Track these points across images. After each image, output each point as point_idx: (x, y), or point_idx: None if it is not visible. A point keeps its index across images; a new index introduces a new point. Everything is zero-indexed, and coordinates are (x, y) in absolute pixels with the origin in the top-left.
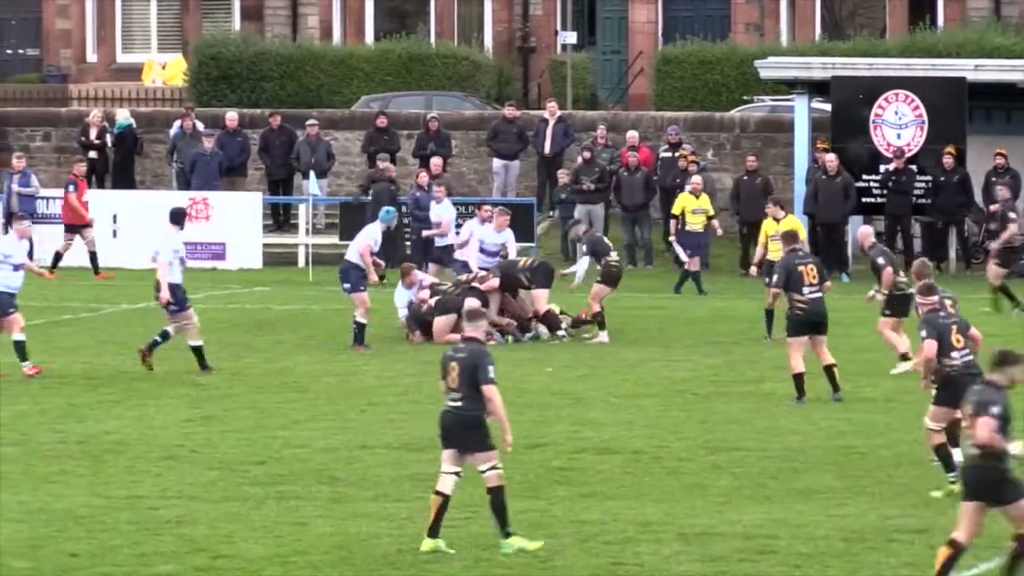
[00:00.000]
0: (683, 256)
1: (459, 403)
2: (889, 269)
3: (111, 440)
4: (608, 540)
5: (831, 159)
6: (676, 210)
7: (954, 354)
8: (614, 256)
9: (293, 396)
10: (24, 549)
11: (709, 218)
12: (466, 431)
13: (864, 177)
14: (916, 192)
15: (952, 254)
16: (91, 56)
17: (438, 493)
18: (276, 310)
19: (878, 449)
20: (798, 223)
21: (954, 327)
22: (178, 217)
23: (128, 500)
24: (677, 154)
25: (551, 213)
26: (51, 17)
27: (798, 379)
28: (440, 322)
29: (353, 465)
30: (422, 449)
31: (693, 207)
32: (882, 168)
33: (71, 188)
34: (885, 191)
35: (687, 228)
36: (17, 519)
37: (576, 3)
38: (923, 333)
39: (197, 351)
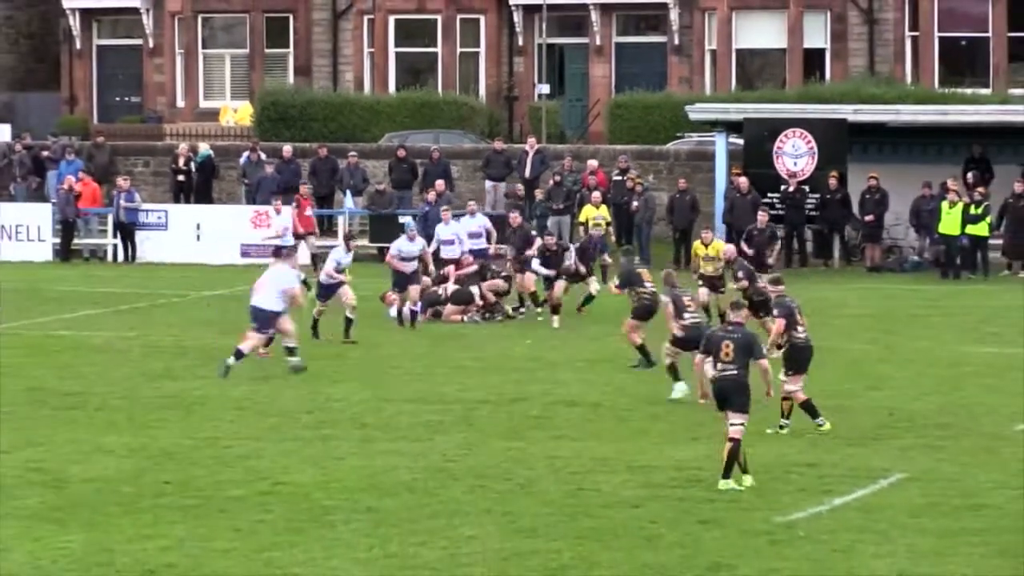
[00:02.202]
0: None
1: (734, 371)
2: (741, 273)
3: (196, 395)
4: (574, 471)
5: (743, 181)
6: (582, 218)
7: (799, 329)
8: (648, 287)
9: (334, 363)
10: (129, 478)
11: (607, 224)
12: (737, 393)
13: (769, 195)
14: (808, 206)
15: (836, 254)
16: (180, 102)
17: (731, 439)
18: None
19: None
20: (722, 245)
21: (798, 309)
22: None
23: (208, 440)
24: (626, 177)
25: (532, 222)
26: (150, 72)
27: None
28: (450, 308)
29: (379, 414)
30: (431, 402)
31: (594, 215)
32: (782, 188)
33: (294, 205)
34: (784, 206)
35: (590, 231)
36: (124, 455)
37: (548, 62)
38: (775, 312)
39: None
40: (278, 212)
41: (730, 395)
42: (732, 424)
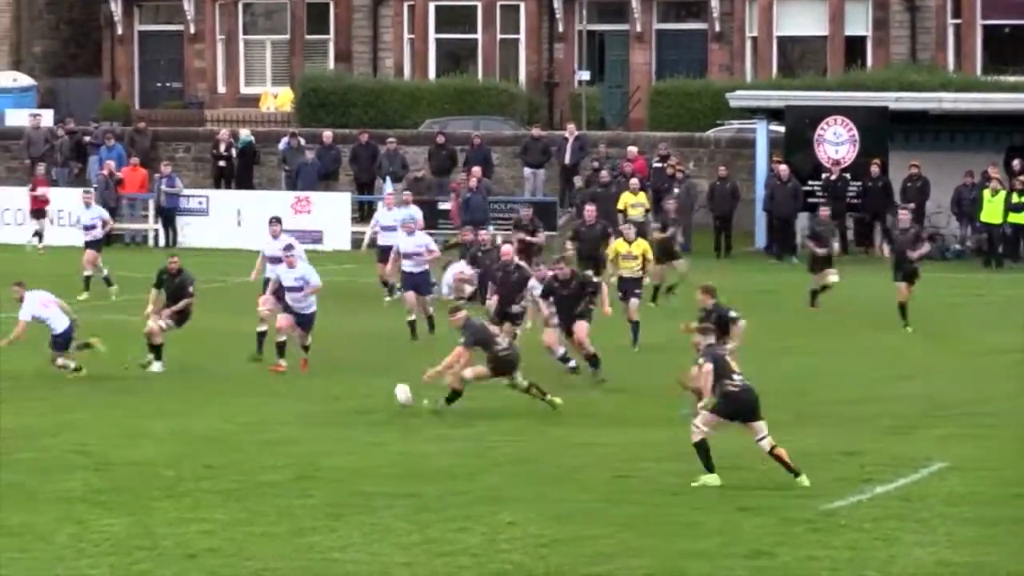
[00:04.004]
0: None
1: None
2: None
3: (236, 380)
4: (615, 458)
5: (784, 169)
6: (620, 205)
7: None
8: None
9: (376, 352)
10: (171, 461)
11: (646, 211)
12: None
13: (809, 182)
14: (849, 194)
15: (877, 241)
16: (221, 88)
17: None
18: (360, 282)
19: (819, 390)
20: (646, 245)
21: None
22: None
23: (248, 425)
24: (666, 165)
25: (570, 209)
26: (191, 58)
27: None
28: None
29: (419, 400)
30: (472, 389)
31: (633, 202)
32: (823, 176)
33: (451, 196)
34: (825, 194)
35: (629, 218)
36: (165, 439)
37: (589, 49)
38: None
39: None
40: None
41: (755, 404)
42: (762, 434)
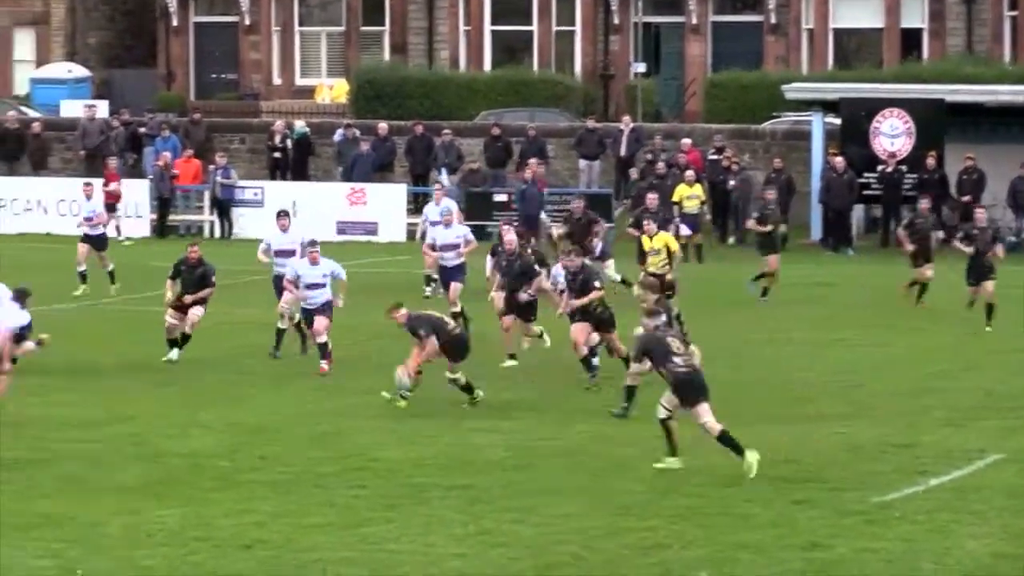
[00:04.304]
0: (684, 231)
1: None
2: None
3: (290, 372)
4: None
5: (840, 161)
6: (676, 198)
7: (677, 359)
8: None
9: None
10: (224, 452)
11: (702, 203)
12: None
13: (865, 175)
14: (905, 187)
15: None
16: (276, 79)
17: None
18: (414, 273)
19: (874, 382)
20: (668, 238)
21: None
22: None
23: (302, 417)
24: (722, 157)
25: (625, 201)
26: (246, 50)
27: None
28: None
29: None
30: (525, 381)
31: (688, 194)
32: (879, 168)
33: (532, 184)
34: (881, 186)
35: (684, 210)
36: (219, 430)
37: (644, 40)
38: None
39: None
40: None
41: (702, 383)
42: (706, 417)
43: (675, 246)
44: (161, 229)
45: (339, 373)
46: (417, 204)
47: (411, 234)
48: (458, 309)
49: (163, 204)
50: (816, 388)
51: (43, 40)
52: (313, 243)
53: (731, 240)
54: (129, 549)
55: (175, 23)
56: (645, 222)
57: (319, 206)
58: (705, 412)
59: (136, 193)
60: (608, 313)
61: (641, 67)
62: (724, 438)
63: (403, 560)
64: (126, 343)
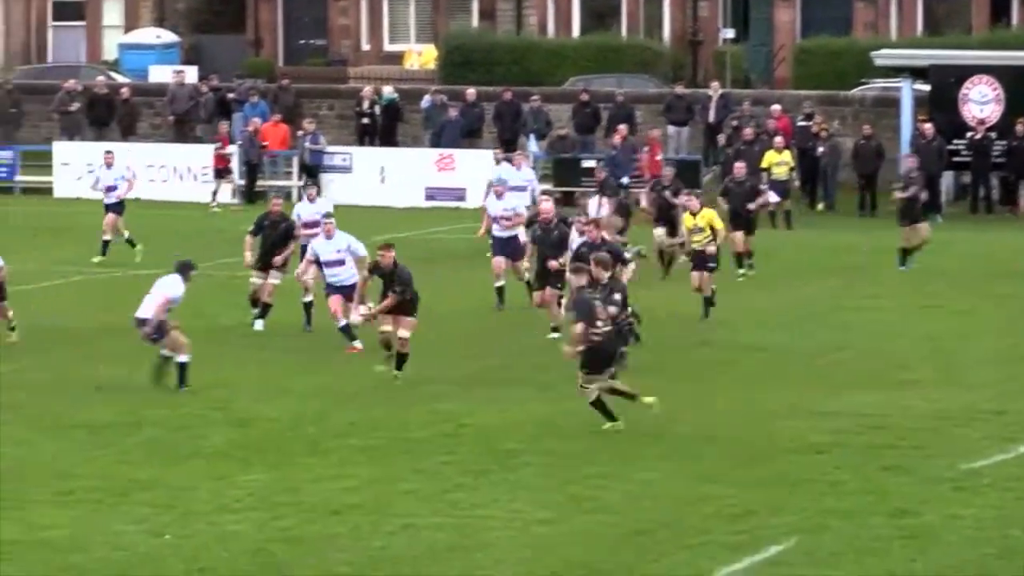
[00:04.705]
0: (773, 198)
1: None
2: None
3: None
4: (758, 417)
5: (929, 128)
6: (765, 164)
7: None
8: None
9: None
10: (313, 418)
11: (791, 169)
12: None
13: (954, 141)
14: (994, 153)
15: (1022, 201)
16: (365, 45)
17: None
18: None
19: (965, 349)
20: (712, 215)
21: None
22: None
23: (388, 383)
24: (811, 123)
25: (714, 167)
26: (335, 15)
27: None
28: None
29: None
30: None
31: (777, 160)
32: (968, 134)
33: (646, 148)
34: (970, 152)
35: (773, 177)
36: (308, 396)
37: (734, 6)
38: (574, 316)
39: None
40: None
41: (614, 354)
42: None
43: (719, 224)
44: (250, 195)
45: (429, 339)
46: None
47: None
48: (501, 284)
49: (251, 170)
50: (905, 355)
51: (132, 5)
52: (328, 215)
53: (820, 206)
54: (217, 514)
55: None
56: (687, 197)
57: (407, 172)
58: (601, 384)
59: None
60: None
61: (730, 33)
62: (615, 392)
63: (491, 525)
64: (214, 308)
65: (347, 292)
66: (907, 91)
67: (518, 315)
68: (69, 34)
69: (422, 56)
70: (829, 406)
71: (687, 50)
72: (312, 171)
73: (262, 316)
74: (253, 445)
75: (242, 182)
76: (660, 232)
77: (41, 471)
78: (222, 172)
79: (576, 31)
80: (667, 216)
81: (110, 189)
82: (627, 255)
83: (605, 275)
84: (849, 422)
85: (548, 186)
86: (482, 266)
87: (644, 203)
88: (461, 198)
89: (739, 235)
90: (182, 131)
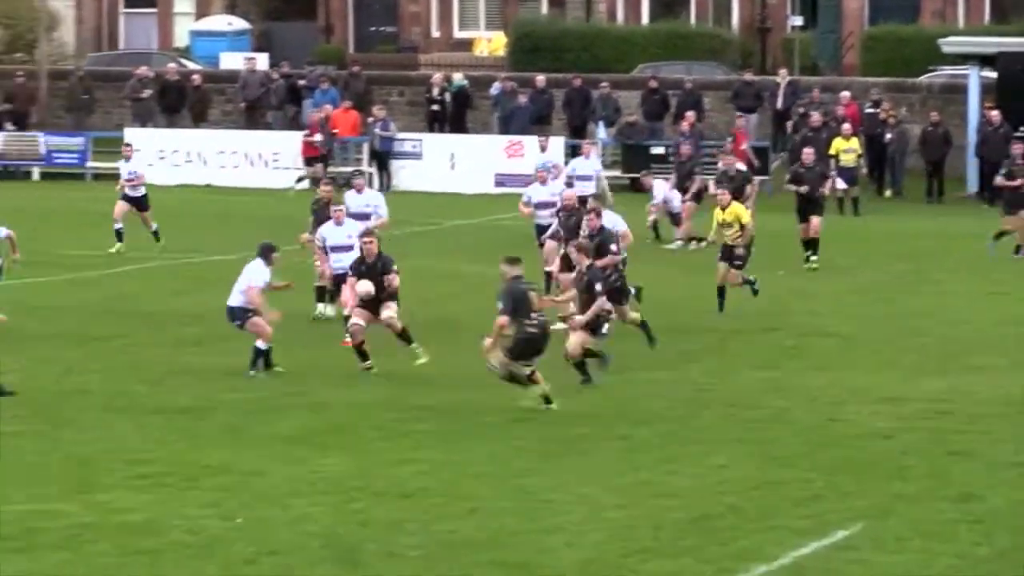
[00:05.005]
0: (840, 184)
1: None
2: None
3: (451, 322)
4: (827, 402)
5: (996, 115)
6: (833, 151)
7: (532, 316)
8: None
9: None
10: (386, 403)
11: (858, 156)
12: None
13: (1021, 129)
14: None
15: None
16: (435, 32)
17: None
18: None
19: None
20: (740, 210)
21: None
22: None
23: (459, 368)
24: (879, 110)
25: (782, 153)
26: (406, 3)
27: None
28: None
29: (632, 342)
30: (686, 331)
31: (845, 147)
32: None
33: (730, 139)
34: None
35: (841, 163)
36: (380, 381)
37: None
38: (499, 304)
39: None
40: (543, 149)
41: (546, 345)
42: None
43: (747, 219)
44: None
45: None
46: (575, 156)
47: (569, 185)
48: (550, 269)
49: (323, 156)
50: (973, 340)
51: None
52: (338, 203)
53: (887, 193)
54: (289, 498)
55: None
56: (720, 192)
57: (477, 158)
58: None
59: (295, 145)
60: (621, 281)
61: (798, 20)
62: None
63: (561, 509)
64: (286, 294)
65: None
66: (974, 78)
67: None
68: (141, 21)
69: (492, 43)
70: (896, 392)
71: (755, 37)
72: (382, 157)
73: (320, 300)
74: (326, 430)
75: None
76: None
77: (116, 455)
78: (313, 159)
79: (645, 18)
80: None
81: (129, 181)
82: (614, 247)
83: (585, 261)
84: (916, 408)
85: (617, 172)
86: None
87: (712, 190)
88: (530, 184)
89: (813, 220)
90: (253, 118)
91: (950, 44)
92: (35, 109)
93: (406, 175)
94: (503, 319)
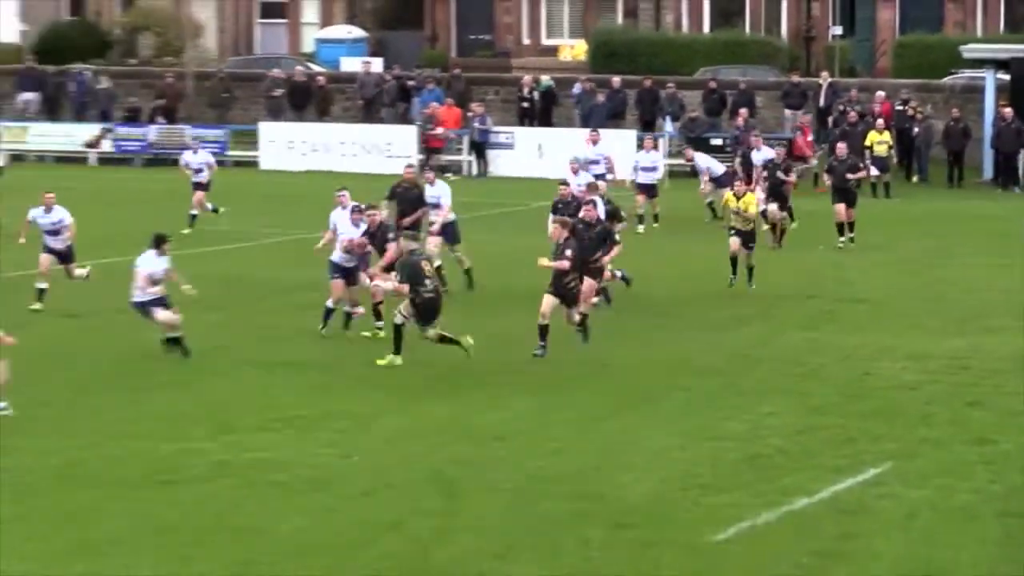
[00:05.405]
0: (874, 171)
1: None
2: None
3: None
4: (860, 358)
5: (1008, 112)
6: (868, 143)
7: (427, 283)
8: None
9: (653, 263)
10: (482, 358)
11: (890, 147)
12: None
13: None
14: None
15: None
16: (526, 40)
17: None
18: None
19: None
20: (753, 198)
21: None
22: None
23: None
24: (907, 107)
25: (823, 145)
26: (500, 14)
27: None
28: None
29: (693, 306)
30: (738, 296)
31: (878, 140)
32: None
33: (798, 132)
34: None
35: (875, 154)
36: (480, 339)
37: (842, 6)
38: (397, 276)
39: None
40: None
41: (438, 309)
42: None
43: (754, 209)
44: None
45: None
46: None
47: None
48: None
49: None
50: (989, 305)
51: (326, 5)
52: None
53: (915, 179)
54: (398, 440)
55: None
56: (736, 182)
57: (562, 148)
58: (433, 332)
59: (405, 137)
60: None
61: (838, 30)
62: (443, 339)
63: (632, 450)
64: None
65: (349, 274)
66: (990, 80)
67: (640, 270)
68: (273, 30)
69: (574, 49)
70: (922, 350)
71: (801, 44)
72: (480, 148)
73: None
74: (432, 381)
75: (421, 156)
76: (773, 208)
77: (249, 403)
78: (435, 151)
79: (706, 28)
80: (778, 192)
81: (197, 171)
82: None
83: (563, 233)
84: (939, 364)
85: (681, 161)
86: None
87: (791, 178)
88: (609, 170)
89: (841, 207)
90: (369, 113)
91: (969, 51)
92: (182, 105)
93: (500, 163)
94: (402, 287)
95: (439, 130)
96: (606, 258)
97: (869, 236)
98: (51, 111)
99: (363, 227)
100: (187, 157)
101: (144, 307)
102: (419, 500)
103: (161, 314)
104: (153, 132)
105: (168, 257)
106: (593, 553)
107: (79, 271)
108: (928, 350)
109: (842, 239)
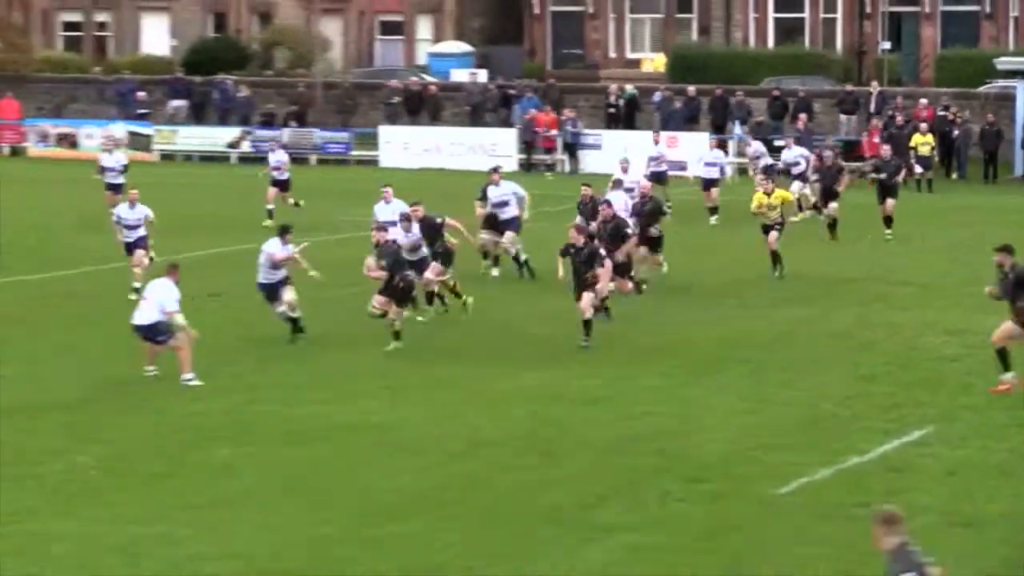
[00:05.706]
0: (918, 169)
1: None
2: None
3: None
4: (906, 334)
5: None
6: (913, 144)
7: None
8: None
9: (736, 247)
10: (568, 333)
11: (932, 148)
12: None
13: None
14: None
15: None
16: (612, 54)
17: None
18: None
19: None
20: (785, 194)
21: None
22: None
23: (629, 304)
24: (948, 113)
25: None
26: (590, 31)
27: None
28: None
29: (755, 288)
30: (797, 278)
31: (922, 141)
32: None
33: (864, 135)
34: None
35: (919, 154)
36: (570, 318)
37: (890, 24)
38: (383, 263)
39: None
40: (656, 143)
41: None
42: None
43: (790, 197)
44: (527, 166)
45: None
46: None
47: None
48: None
49: (528, 148)
50: None
51: (438, 23)
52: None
53: (954, 176)
54: (497, 404)
55: (536, 11)
56: (765, 181)
57: (643, 148)
58: (399, 315)
59: (507, 139)
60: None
61: (887, 45)
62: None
63: (705, 414)
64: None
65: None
66: (1021, 89)
67: (699, 258)
68: (391, 45)
69: (655, 62)
70: (962, 325)
71: (854, 57)
72: (572, 148)
73: (495, 265)
74: (527, 355)
75: (521, 156)
76: (833, 206)
77: (366, 372)
78: (547, 151)
79: (771, 43)
80: (829, 191)
81: (275, 168)
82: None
83: (581, 239)
84: (977, 338)
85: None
86: (696, 220)
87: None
88: (683, 168)
89: (889, 202)
90: (475, 118)
91: (1003, 63)
92: (312, 111)
93: (590, 161)
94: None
95: (553, 131)
96: (619, 252)
97: (914, 227)
98: (197, 116)
99: (415, 230)
100: (269, 156)
101: (270, 288)
102: (517, 458)
103: (287, 294)
104: (286, 134)
105: (291, 245)
106: (672, 503)
107: (144, 259)
108: (968, 326)
109: (888, 231)
